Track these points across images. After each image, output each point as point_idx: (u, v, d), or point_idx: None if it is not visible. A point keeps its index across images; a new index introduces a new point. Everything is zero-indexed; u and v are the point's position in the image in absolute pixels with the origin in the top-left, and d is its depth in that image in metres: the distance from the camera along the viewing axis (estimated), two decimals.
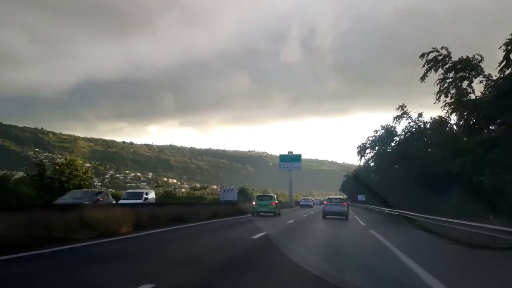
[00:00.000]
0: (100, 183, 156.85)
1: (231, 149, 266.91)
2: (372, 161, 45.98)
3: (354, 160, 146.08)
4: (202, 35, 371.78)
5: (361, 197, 60.53)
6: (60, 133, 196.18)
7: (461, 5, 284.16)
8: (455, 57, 24.89)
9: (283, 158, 65.82)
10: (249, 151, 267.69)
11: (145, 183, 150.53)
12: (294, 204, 62.17)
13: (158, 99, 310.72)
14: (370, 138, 42.94)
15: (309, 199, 71.05)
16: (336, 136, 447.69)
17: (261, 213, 26.50)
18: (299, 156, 66.03)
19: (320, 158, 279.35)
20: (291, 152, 65.56)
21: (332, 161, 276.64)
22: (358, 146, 44.67)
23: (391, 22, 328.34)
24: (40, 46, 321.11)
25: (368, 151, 43.98)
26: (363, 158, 44.89)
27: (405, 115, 33.80)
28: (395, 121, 34.89)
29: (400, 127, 44.29)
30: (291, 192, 68.09)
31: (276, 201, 28.40)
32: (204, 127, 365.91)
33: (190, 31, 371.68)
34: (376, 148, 42.24)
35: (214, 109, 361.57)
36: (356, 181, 65.69)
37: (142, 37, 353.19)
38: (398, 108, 34.10)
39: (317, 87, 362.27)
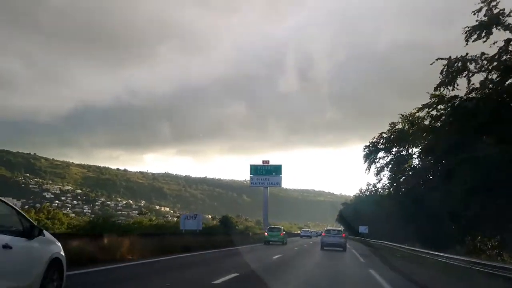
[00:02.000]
0: (90, 210, 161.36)
1: (227, 178, 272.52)
2: (387, 170, 32.09)
3: (351, 191, 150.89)
4: (199, 62, 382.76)
5: (363, 229, 49.81)
6: (53, 159, 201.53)
7: (460, 37, 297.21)
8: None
9: (255, 170, 47.02)
10: (245, 180, 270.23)
11: (136, 211, 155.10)
12: None
13: (155, 127, 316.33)
14: (385, 135, 30.83)
15: (308, 231, 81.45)
16: (333, 167, 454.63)
17: (271, 242, 33.06)
18: (279, 167, 47.18)
19: (316, 189, 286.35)
20: (267, 162, 47.38)
21: (329, 192, 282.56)
22: (366, 147, 32.97)
23: (388, 54, 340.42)
24: (36, 71, 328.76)
25: (380, 154, 31.74)
26: (372, 166, 32.98)
27: (498, 24, 15.16)
28: (470, 36, 15.89)
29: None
30: (265, 217, 48.35)
31: (284, 232, 35.40)
32: (201, 156, 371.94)
33: (187, 58, 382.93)
34: (394, 150, 30.02)
35: (211, 138, 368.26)
36: (358, 208, 58.63)
37: (139, 64, 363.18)
38: (478, 10, 15.48)
39: (313, 117, 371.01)
